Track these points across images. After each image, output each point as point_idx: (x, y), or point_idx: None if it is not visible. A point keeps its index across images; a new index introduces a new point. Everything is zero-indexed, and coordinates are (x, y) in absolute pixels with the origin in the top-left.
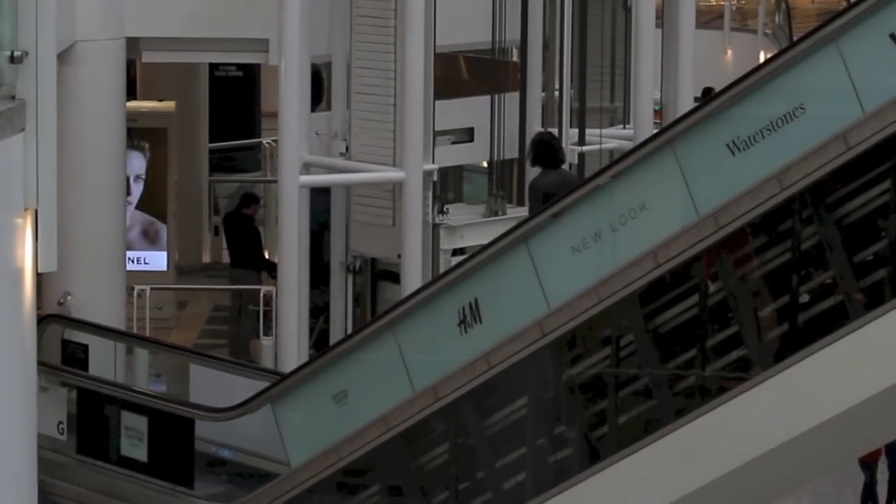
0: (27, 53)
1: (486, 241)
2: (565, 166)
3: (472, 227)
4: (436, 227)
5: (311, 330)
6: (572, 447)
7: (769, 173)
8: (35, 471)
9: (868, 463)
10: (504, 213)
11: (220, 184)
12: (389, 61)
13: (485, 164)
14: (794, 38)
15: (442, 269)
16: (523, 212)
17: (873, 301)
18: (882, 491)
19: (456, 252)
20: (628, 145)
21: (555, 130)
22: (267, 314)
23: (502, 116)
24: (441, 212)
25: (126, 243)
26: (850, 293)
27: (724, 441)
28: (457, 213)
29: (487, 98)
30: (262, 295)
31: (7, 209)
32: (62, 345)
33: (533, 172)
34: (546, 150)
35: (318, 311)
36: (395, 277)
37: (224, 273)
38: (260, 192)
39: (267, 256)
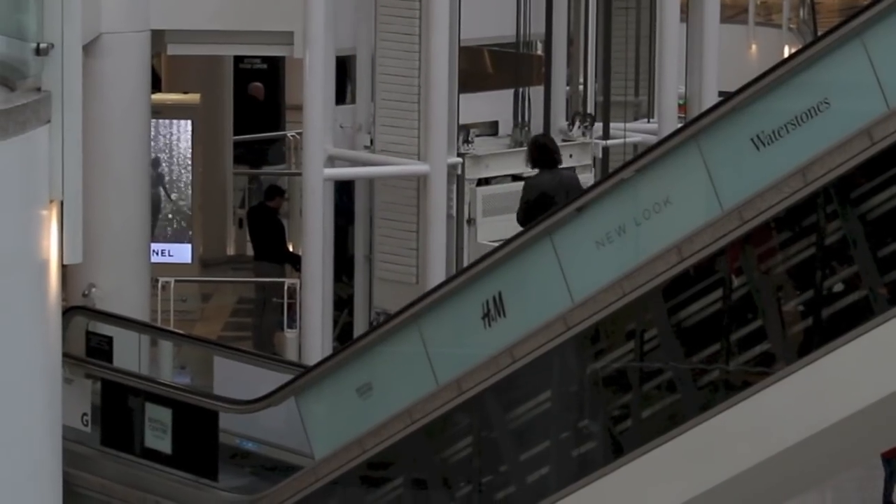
0: (53, 45)
1: (510, 172)
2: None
3: (497, 157)
4: (461, 156)
5: (335, 322)
6: (596, 441)
7: (793, 168)
8: (59, 462)
9: (889, 458)
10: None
11: (243, 175)
12: (414, 54)
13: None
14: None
15: (467, 201)
16: None
17: None
18: None
19: (481, 182)
20: (652, 139)
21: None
22: (291, 307)
23: (527, 110)
24: (466, 141)
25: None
26: (875, 288)
27: (747, 436)
28: (482, 145)
29: (511, 92)
30: (286, 287)
31: (32, 201)
32: (87, 336)
33: None
34: (543, 153)
35: (342, 304)
36: None
37: (248, 265)
38: (284, 184)
39: (291, 249)
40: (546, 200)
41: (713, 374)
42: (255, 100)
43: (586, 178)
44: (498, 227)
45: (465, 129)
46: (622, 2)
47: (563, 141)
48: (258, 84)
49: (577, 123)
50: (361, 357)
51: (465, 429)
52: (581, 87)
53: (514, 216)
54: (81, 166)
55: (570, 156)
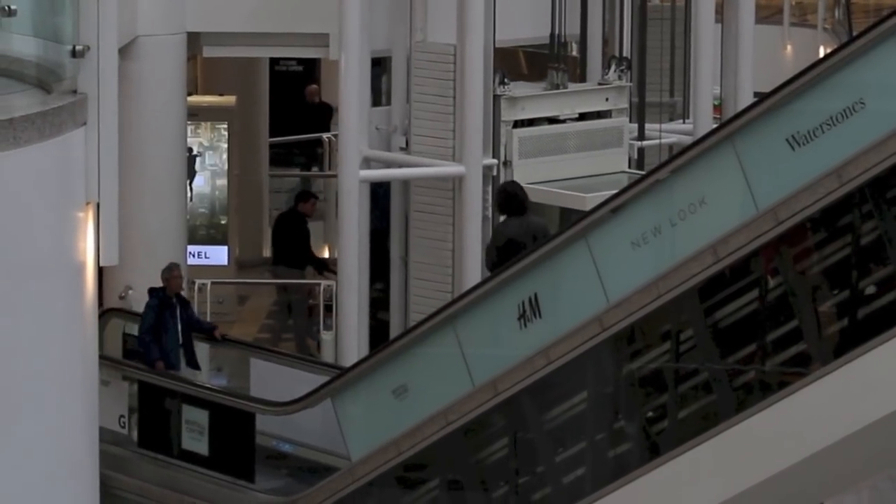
0: (89, 48)
1: (546, 114)
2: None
3: (533, 99)
4: (497, 98)
5: None
6: (631, 442)
7: (829, 168)
8: (97, 464)
9: None
10: (565, 87)
11: (279, 178)
12: (449, 56)
13: None
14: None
15: (503, 142)
16: (584, 87)
17: None
18: None
19: (517, 124)
20: (688, 140)
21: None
22: (327, 308)
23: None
24: (502, 83)
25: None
26: None
27: (783, 437)
28: (518, 88)
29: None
30: (322, 289)
31: (69, 203)
32: (123, 339)
33: None
34: (512, 200)
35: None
36: None
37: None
38: (319, 186)
39: (316, 253)
40: (513, 247)
41: (749, 375)
42: (311, 103)
43: (622, 122)
44: (534, 169)
45: (500, 71)
46: (657, 3)
47: (599, 84)
48: (314, 87)
49: (613, 67)
50: (397, 358)
51: (500, 430)
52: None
53: (550, 158)
54: (118, 168)
55: (607, 99)
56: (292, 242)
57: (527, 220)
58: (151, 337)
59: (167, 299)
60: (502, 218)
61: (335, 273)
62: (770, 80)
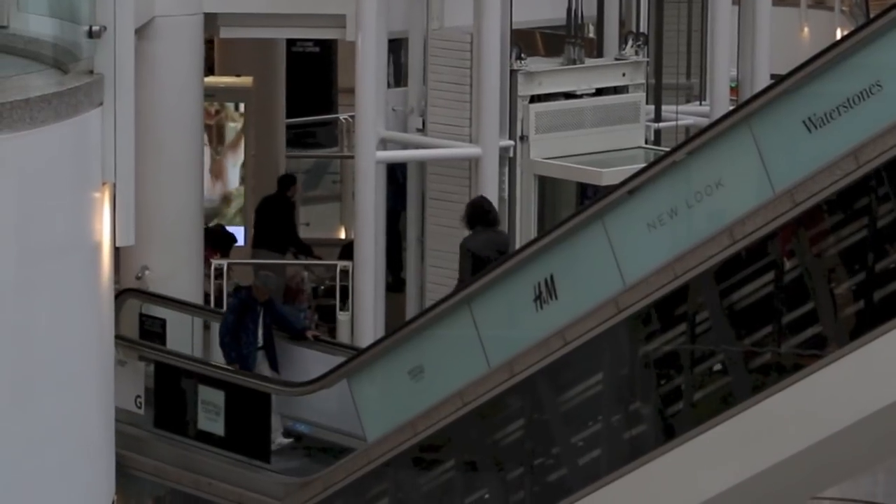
0: (105, 28)
1: (563, 89)
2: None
3: (550, 74)
4: (513, 73)
5: None
6: (647, 424)
7: (846, 150)
8: (113, 444)
9: None
10: (582, 62)
11: (295, 159)
12: (466, 37)
13: None
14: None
15: (520, 117)
16: (600, 62)
17: None
18: None
19: (534, 99)
20: (704, 122)
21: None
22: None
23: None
24: (519, 58)
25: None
26: None
27: (799, 418)
28: (535, 63)
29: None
30: (338, 270)
31: (85, 183)
32: (140, 319)
33: None
34: (479, 213)
35: None
36: None
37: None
38: (336, 167)
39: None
40: (477, 262)
41: (765, 357)
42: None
43: (638, 97)
44: (550, 144)
45: (517, 46)
46: None
47: (617, 59)
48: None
49: (630, 42)
50: (413, 340)
51: (516, 411)
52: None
53: (567, 134)
54: (134, 149)
55: (624, 74)
56: (277, 226)
57: (493, 234)
58: (230, 338)
59: (250, 301)
60: (470, 231)
61: (318, 258)
62: (787, 63)
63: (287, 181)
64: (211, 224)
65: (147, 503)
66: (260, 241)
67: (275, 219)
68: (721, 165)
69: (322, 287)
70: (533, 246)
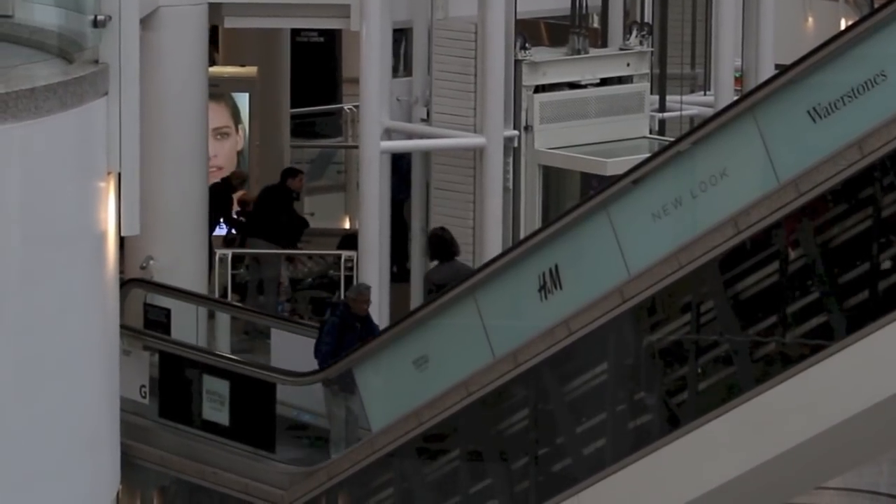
0: (110, 18)
1: (567, 79)
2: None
3: (554, 63)
4: (518, 62)
5: None
6: (652, 414)
7: (850, 140)
8: (118, 434)
9: None
10: (586, 52)
11: (300, 149)
12: (471, 27)
13: None
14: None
15: (525, 107)
16: (605, 52)
17: None
18: None
19: (538, 89)
20: (709, 112)
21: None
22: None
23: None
24: (523, 48)
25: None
26: None
27: (803, 408)
28: (539, 53)
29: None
30: (343, 260)
31: (90, 173)
32: (145, 309)
33: None
34: (440, 245)
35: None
36: None
37: (307, 238)
38: (341, 157)
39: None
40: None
41: (769, 347)
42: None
43: (643, 87)
44: (555, 134)
45: (521, 36)
46: None
47: (621, 49)
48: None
49: (634, 33)
50: (418, 329)
51: (521, 401)
52: None
53: (571, 124)
54: (139, 138)
55: (628, 64)
56: (277, 216)
57: (455, 266)
58: (331, 362)
59: (349, 319)
60: (433, 264)
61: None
62: (791, 53)
63: (288, 173)
64: None
65: (152, 492)
66: (258, 230)
67: (274, 209)
68: (726, 155)
69: (311, 279)
70: (537, 236)
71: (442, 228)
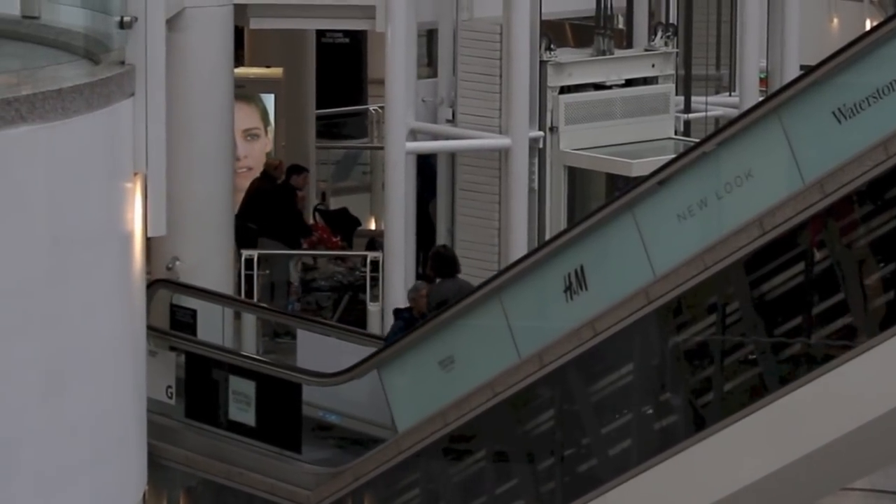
0: (136, 19)
1: (592, 80)
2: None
3: (579, 64)
4: (543, 63)
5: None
6: (677, 414)
7: (875, 141)
8: (144, 434)
9: None
10: (611, 53)
11: (325, 150)
12: (496, 27)
13: None
14: None
15: (549, 108)
16: (630, 53)
17: None
18: None
19: (563, 90)
20: (734, 113)
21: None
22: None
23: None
24: (549, 49)
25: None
26: None
27: (830, 408)
28: (564, 54)
29: None
30: (368, 261)
31: (116, 173)
32: (171, 309)
33: None
34: (442, 262)
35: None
36: None
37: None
38: (366, 158)
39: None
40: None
41: (795, 348)
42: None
43: (668, 88)
44: (580, 135)
45: (546, 37)
46: None
47: (646, 50)
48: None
49: (659, 33)
50: (444, 330)
51: (546, 402)
52: None
53: (596, 125)
54: (165, 139)
55: (653, 65)
56: (282, 215)
57: (458, 282)
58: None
59: (413, 321)
60: (437, 280)
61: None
62: (816, 53)
63: (293, 169)
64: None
65: (178, 493)
66: (265, 230)
67: (280, 207)
68: (751, 156)
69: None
70: (563, 237)
71: (444, 246)
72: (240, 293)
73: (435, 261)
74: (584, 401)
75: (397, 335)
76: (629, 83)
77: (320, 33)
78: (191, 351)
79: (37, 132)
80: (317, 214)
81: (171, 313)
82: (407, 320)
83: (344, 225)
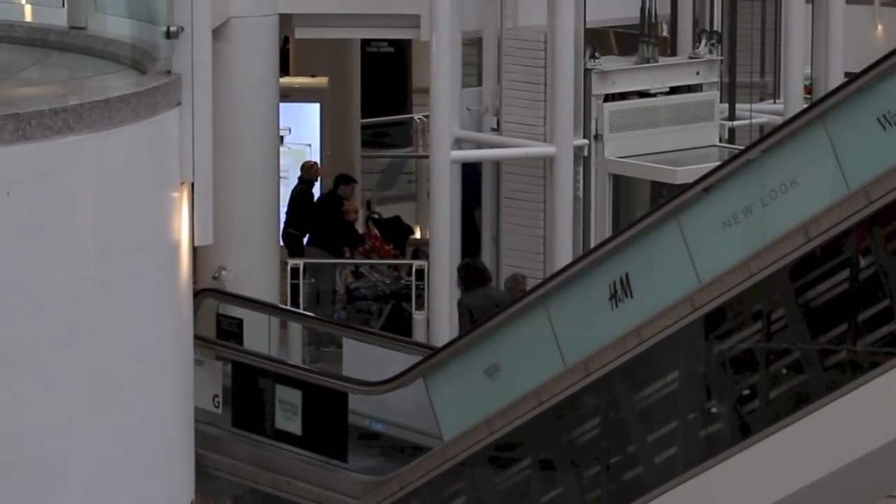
0: (182, 29)
1: (637, 88)
2: None
3: (623, 72)
4: (587, 71)
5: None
6: (723, 422)
7: None
8: (192, 443)
9: None
10: (656, 61)
11: (371, 159)
12: (541, 36)
13: None
14: None
15: (594, 116)
16: (674, 61)
17: None
18: None
19: (608, 98)
20: (778, 120)
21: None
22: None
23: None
24: (593, 57)
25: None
26: None
27: (875, 416)
28: (609, 62)
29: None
30: (414, 269)
31: (164, 183)
32: (217, 319)
33: None
34: (471, 272)
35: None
36: None
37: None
38: (411, 167)
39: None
40: (474, 318)
41: (841, 355)
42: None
43: (713, 96)
44: (624, 143)
45: (590, 45)
46: None
47: (690, 58)
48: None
49: (704, 41)
50: (489, 338)
51: (592, 410)
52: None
53: (641, 132)
54: (212, 148)
55: (697, 73)
56: (329, 224)
57: (487, 292)
58: None
59: None
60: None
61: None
62: (861, 60)
63: (341, 179)
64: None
65: (225, 502)
66: (316, 240)
67: (328, 217)
68: (795, 163)
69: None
70: (608, 245)
71: (472, 258)
72: (286, 302)
73: (463, 271)
74: (630, 408)
75: None
76: (673, 91)
77: (365, 42)
78: (237, 360)
79: (84, 142)
80: (370, 223)
81: (217, 322)
82: None
83: (396, 233)
